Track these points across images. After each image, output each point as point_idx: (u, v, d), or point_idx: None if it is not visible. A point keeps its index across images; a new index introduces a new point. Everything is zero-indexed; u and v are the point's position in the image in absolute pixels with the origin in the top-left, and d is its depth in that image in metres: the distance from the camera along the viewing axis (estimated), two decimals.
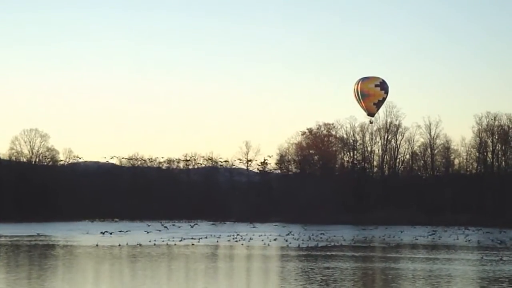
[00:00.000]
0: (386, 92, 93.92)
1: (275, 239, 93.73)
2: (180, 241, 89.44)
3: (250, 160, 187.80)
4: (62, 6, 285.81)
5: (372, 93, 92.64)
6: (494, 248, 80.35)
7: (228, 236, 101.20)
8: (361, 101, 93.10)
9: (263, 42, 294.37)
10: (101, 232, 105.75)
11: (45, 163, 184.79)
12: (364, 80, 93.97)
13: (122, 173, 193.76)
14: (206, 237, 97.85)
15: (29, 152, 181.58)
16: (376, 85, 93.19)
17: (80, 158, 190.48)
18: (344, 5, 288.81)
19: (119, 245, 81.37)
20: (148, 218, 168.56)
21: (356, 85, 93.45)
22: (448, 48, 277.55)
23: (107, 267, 58.79)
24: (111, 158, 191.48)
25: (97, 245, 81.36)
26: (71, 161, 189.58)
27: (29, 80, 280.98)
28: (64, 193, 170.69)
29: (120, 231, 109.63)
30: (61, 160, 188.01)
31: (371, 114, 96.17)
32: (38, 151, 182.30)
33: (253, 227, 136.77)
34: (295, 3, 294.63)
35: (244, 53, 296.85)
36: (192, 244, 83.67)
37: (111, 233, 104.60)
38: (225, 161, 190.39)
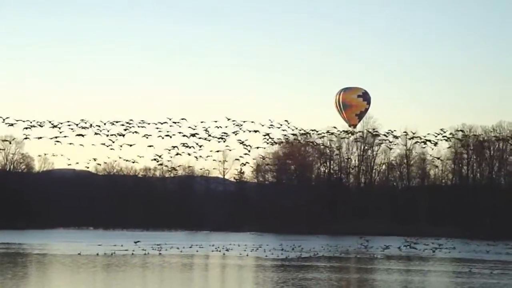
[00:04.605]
0: (369, 103, 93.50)
1: (256, 249, 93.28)
2: (159, 250, 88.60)
3: (226, 169, 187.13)
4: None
5: (354, 104, 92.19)
6: (472, 261, 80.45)
7: (210, 246, 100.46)
8: (343, 111, 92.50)
9: (241, 49, 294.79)
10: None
11: (20, 170, 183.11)
12: (346, 90, 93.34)
13: (97, 181, 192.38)
14: (191, 247, 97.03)
15: (3, 159, 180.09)
16: (359, 96, 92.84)
17: (53, 164, 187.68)
18: (323, 15, 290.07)
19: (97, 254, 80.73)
20: (123, 226, 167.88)
21: (337, 96, 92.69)
22: (425, 59, 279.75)
23: (84, 276, 58.23)
24: (87, 165, 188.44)
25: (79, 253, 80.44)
26: (45, 168, 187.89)
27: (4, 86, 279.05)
28: (38, 201, 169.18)
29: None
30: (37, 170, 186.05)
31: (352, 125, 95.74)
32: (12, 158, 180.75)
33: (229, 236, 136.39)
34: (278, 10, 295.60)
35: (223, 61, 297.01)
36: (160, 253, 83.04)
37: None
38: (202, 169, 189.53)
